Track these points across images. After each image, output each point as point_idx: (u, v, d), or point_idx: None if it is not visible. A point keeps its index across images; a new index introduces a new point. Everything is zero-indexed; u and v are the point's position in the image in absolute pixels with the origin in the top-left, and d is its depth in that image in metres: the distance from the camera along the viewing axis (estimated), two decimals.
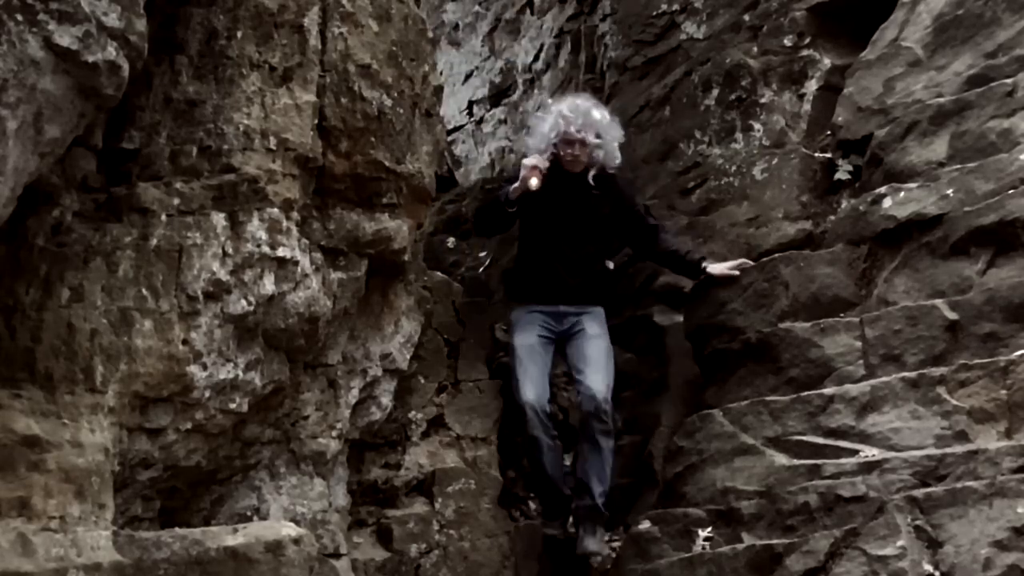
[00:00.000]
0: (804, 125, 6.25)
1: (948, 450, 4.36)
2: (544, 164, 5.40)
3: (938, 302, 4.82)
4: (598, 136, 5.55)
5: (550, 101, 6.08)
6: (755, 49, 6.62)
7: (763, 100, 6.44)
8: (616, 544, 5.53)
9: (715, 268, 5.68)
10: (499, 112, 9.58)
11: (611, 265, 5.81)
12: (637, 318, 6.44)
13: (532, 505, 6.09)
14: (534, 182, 5.31)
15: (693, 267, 5.73)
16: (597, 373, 5.49)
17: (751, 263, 5.69)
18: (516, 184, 5.45)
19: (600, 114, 5.60)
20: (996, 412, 4.36)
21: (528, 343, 5.54)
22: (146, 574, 3.54)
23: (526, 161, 5.46)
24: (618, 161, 5.67)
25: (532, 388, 5.45)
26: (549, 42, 8.90)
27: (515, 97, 9.40)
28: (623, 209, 5.68)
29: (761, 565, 4.51)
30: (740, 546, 4.66)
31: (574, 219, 5.58)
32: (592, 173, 5.58)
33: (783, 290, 5.46)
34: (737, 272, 5.61)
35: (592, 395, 5.41)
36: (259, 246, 4.12)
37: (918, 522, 4.15)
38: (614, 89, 7.76)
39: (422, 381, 5.69)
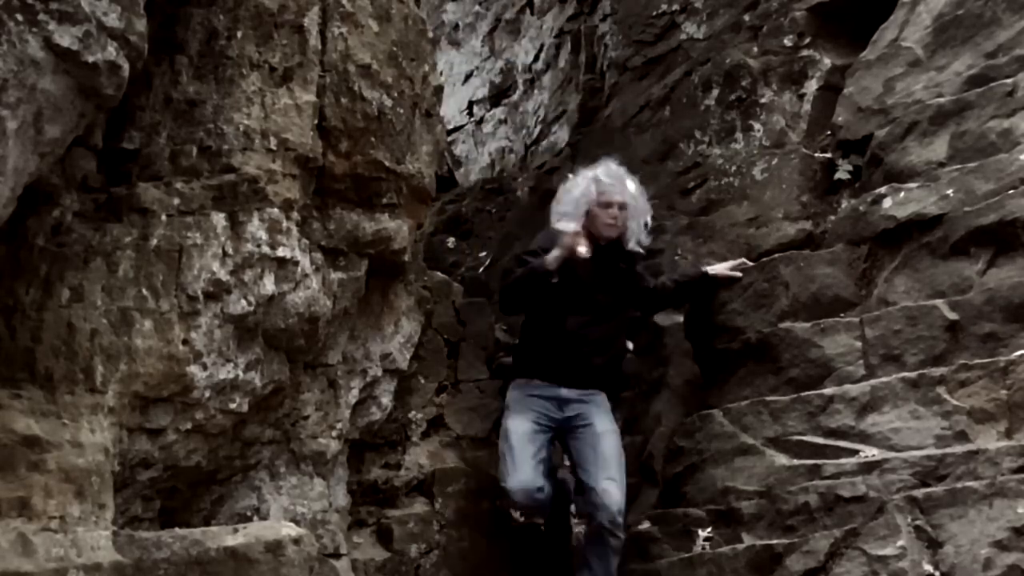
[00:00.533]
0: (804, 125, 6.24)
1: (948, 450, 4.36)
2: (580, 231, 5.00)
3: (938, 302, 4.82)
4: (631, 205, 5.21)
5: (577, 171, 5.53)
6: (755, 49, 6.62)
7: (763, 100, 6.44)
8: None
9: (715, 269, 5.58)
10: (499, 112, 9.58)
11: (631, 346, 5.42)
12: (637, 318, 6.44)
13: None
14: (583, 249, 4.85)
15: (698, 281, 5.53)
16: (611, 480, 4.87)
17: (751, 263, 5.69)
18: (557, 251, 4.91)
19: (633, 184, 5.26)
20: (996, 412, 4.36)
21: (522, 430, 4.94)
22: (146, 574, 3.54)
23: (564, 227, 5.02)
24: (647, 240, 5.35)
25: (521, 474, 4.87)
26: (549, 42, 8.90)
27: (515, 97, 9.40)
28: (639, 289, 5.34)
29: (761, 565, 4.51)
30: (740, 546, 4.66)
31: (600, 293, 5.08)
32: (629, 244, 5.24)
33: (783, 290, 5.46)
34: (739, 274, 5.52)
35: (607, 505, 4.81)
36: (259, 246, 4.12)
37: (918, 522, 4.15)
38: (614, 89, 7.76)
39: (422, 381, 5.69)
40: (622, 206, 5.15)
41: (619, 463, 4.94)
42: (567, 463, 5.32)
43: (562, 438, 5.07)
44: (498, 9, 9.89)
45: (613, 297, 5.13)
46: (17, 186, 3.17)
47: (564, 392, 4.97)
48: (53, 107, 3.16)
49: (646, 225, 5.29)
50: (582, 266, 4.93)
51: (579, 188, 5.19)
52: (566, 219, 5.10)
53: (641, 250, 5.34)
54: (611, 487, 4.83)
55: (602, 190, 5.12)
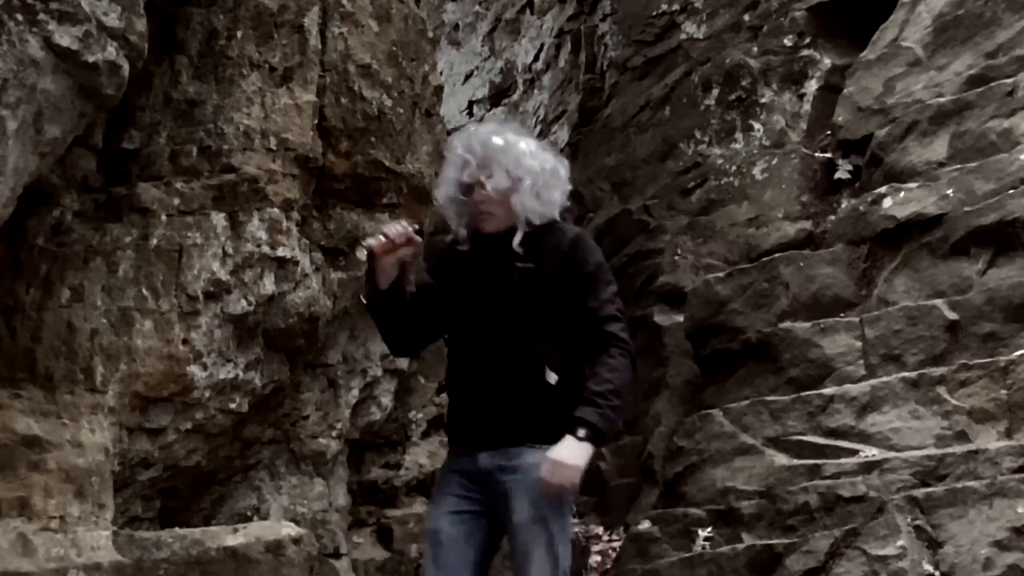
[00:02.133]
0: (804, 125, 6.25)
1: (948, 450, 4.36)
2: (401, 230, 3.30)
3: (938, 302, 4.82)
4: (514, 174, 3.28)
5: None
6: (755, 49, 6.62)
7: (763, 100, 6.44)
8: (616, 544, 5.53)
9: (558, 450, 3.14)
10: (499, 112, 9.58)
11: (553, 379, 3.19)
12: (637, 318, 6.44)
13: None
14: (371, 242, 3.31)
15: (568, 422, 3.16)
16: None
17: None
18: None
19: (507, 141, 3.33)
20: (996, 412, 4.36)
21: (434, 527, 3.30)
22: (146, 574, 3.54)
23: (393, 229, 3.34)
24: (555, 210, 3.34)
25: None
26: (549, 42, 8.90)
27: (515, 97, 9.40)
28: (564, 284, 3.24)
29: (761, 565, 4.51)
30: (740, 546, 4.66)
31: (492, 307, 3.27)
32: (519, 236, 3.27)
33: (783, 290, 5.46)
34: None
35: None
36: (259, 246, 4.12)
37: (918, 522, 4.15)
38: (614, 89, 7.77)
39: (422, 381, 5.68)
40: (483, 185, 3.28)
41: (551, 568, 3.16)
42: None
43: (499, 524, 3.29)
44: (498, 9, 9.89)
45: (512, 311, 3.23)
46: (17, 186, 3.17)
47: (483, 460, 3.20)
48: (53, 107, 3.16)
49: (561, 188, 3.36)
50: (466, 275, 3.35)
51: (449, 165, 3.46)
52: (443, 209, 3.52)
53: (559, 226, 3.34)
54: None
55: (461, 170, 3.35)
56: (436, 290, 3.45)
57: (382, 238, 3.29)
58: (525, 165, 3.28)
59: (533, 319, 3.22)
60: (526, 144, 3.34)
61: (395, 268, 3.34)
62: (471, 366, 3.30)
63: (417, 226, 3.37)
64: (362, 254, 3.36)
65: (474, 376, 3.28)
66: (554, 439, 3.11)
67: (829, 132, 6.07)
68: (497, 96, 9.67)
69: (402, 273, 3.39)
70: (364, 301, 3.48)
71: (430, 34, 5.03)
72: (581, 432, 3.05)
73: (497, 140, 3.31)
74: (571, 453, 3.05)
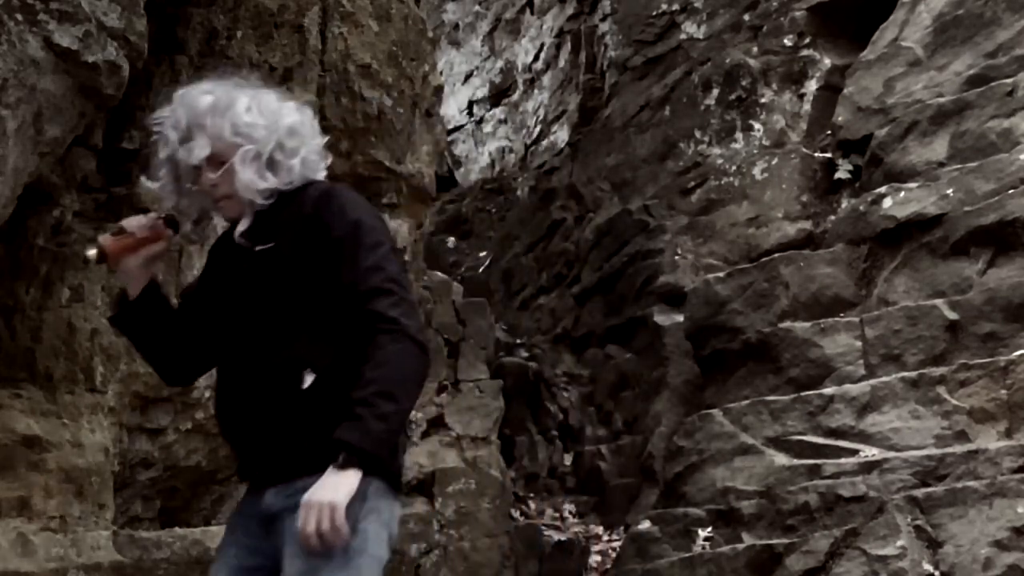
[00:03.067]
0: (804, 125, 6.25)
1: (948, 450, 4.36)
2: (144, 221, 2.62)
3: (938, 302, 4.82)
4: (229, 141, 2.50)
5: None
6: (755, 49, 6.62)
7: (763, 100, 6.44)
8: (616, 544, 5.53)
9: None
10: (499, 112, 9.58)
11: (308, 381, 2.43)
12: (637, 318, 6.44)
13: (532, 505, 6.10)
14: (102, 240, 2.59)
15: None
16: None
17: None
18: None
19: (217, 100, 2.54)
20: (996, 412, 4.36)
21: None
22: (146, 574, 3.54)
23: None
24: (296, 174, 2.58)
25: None
26: (549, 42, 8.90)
27: (515, 97, 9.40)
28: (311, 258, 2.46)
29: (761, 565, 4.51)
30: (740, 546, 4.66)
31: (238, 308, 2.54)
32: (247, 219, 2.55)
33: (783, 290, 5.46)
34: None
35: None
36: None
37: (918, 522, 4.15)
38: (614, 89, 7.77)
39: None
40: (212, 161, 2.50)
41: None
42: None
43: None
44: (498, 9, 9.90)
45: (257, 307, 2.49)
46: (17, 186, 3.16)
47: (268, 500, 2.45)
48: (53, 107, 3.16)
49: (272, 159, 2.53)
50: (216, 276, 2.64)
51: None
52: (170, 202, 2.67)
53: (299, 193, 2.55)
54: None
55: (166, 147, 2.56)
56: (200, 298, 2.65)
57: (116, 234, 2.58)
58: (242, 127, 2.48)
59: (285, 312, 2.44)
60: (246, 101, 2.53)
61: (145, 271, 2.60)
62: (230, 385, 2.52)
63: (165, 215, 2.61)
64: (92, 254, 2.54)
65: (234, 396, 2.51)
66: (314, 465, 2.31)
67: (829, 132, 6.08)
68: (497, 96, 9.67)
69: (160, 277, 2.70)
70: (112, 318, 2.71)
71: (430, 34, 5.03)
72: (340, 458, 2.24)
73: (205, 100, 2.51)
74: (325, 491, 2.24)
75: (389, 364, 2.30)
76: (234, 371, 2.52)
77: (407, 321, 2.33)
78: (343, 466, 2.25)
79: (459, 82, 10.09)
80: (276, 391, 2.40)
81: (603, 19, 8.11)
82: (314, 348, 2.41)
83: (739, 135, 6.52)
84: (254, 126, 2.51)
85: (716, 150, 6.60)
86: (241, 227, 2.52)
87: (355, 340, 2.37)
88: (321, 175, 2.66)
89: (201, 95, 2.54)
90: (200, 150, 2.48)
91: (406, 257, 4.91)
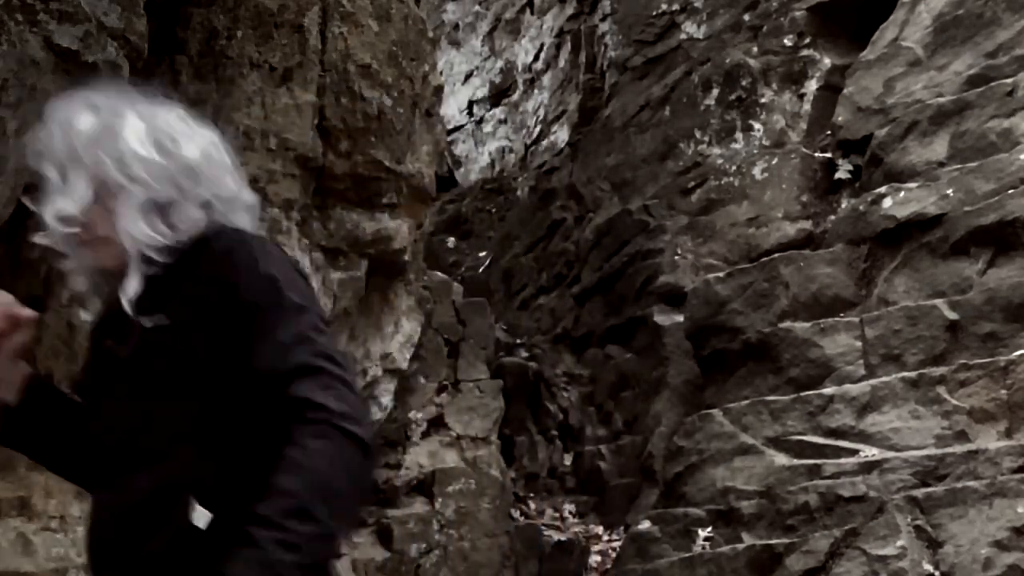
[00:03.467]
0: (804, 125, 6.25)
1: (948, 450, 4.36)
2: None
3: (938, 302, 4.82)
4: (113, 180, 1.82)
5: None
6: (755, 49, 6.62)
7: (763, 100, 6.44)
8: (616, 544, 5.53)
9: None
10: (499, 112, 9.59)
11: (203, 519, 1.68)
12: (637, 318, 6.44)
13: (532, 505, 6.10)
14: None
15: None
16: None
17: None
18: None
19: (96, 127, 1.84)
20: (996, 412, 4.36)
21: None
22: None
23: None
24: (204, 221, 1.85)
25: None
26: (549, 42, 8.90)
27: (515, 97, 9.40)
28: (213, 334, 1.75)
29: (761, 565, 4.51)
30: (740, 546, 4.66)
31: (107, 405, 1.86)
32: (133, 281, 1.82)
33: (783, 290, 5.46)
34: None
35: None
36: None
37: (918, 522, 4.15)
38: (614, 89, 7.77)
39: (422, 381, 5.69)
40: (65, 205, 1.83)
41: None
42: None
43: None
44: (498, 9, 9.90)
45: (130, 406, 1.80)
46: (17, 186, 3.17)
47: None
48: None
49: (167, 206, 1.84)
50: (92, 354, 2.03)
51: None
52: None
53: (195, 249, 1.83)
54: None
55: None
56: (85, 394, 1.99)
57: None
58: (131, 163, 1.82)
59: (167, 413, 1.74)
60: (137, 125, 1.84)
61: (15, 370, 2.02)
62: (100, 515, 1.83)
63: (22, 311, 1.96)
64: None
65: (99, 527, 1.82)
66: None
67: (829, 132, 6.08)
68: (497, 96, 9.67)
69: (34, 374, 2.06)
70: None
71: (430, 34, 5.03)
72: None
73: (85, 124, 1.83)
74: None
75: (308, 468, 1.61)
76: (100, 494, 1.83)
77: (340, 408, 1.66)
78: None
79: (459, 82, 10.10)
80: (153, 533, 1.70)
81: (603, 19, 8.12)
82: (202, 467, 1.71)
83: (739, 135, 6.52)
84: (147, 162, 1.82)
85: (716, 150, 6.60)
86: (129, 290, 1.79)
87: (271, 445, 1.66)
88: (242, 220, 1.89)
89: (81, 114, 1.84)
90: (79, 194, 1.81)
91: (406, 257, 4.91)
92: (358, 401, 1.72)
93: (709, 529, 4.87)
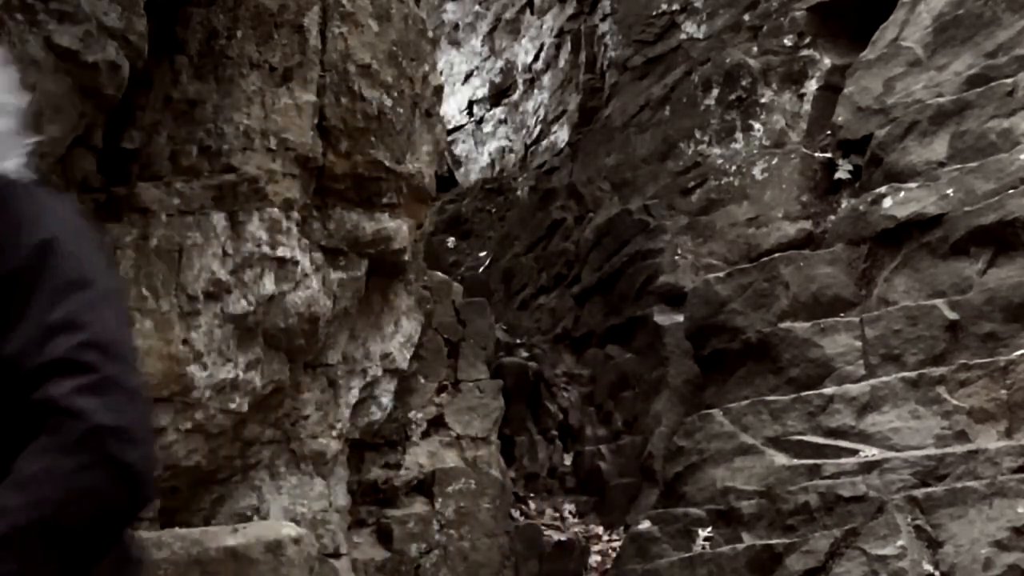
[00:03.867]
0: (804, 125, 6.25)
1: (948, 450, 4.36)
2: None
3: (938, 302, 4.82)
4: None
5: None
6: (755, 49, 6.62)
7: (763, 100, 6.44)
8: (616, 544, 5.53)
9: None
10: (499, 112, 9.58)
11: None
12: (637, 318, 6.44)
13: (532, 505, 6.10)
14: None
15: None
16: None
17: None
18: None
19: None
20: (996, 412, 4.36)
21: None
22: (146, 574, 3.54)
23: None
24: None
25: None
26: (549, 42, 8.90)
27: (515, 97, 9.40)
28: None
29: (761, 565, 4.51)
30: (740, 546, 4.66)
31: None
32: None
33: (783, 290, 5.46)
34: None
35: None
36: (259, 246, 4.12)
37: (918, 522, 4.15)
38: (614, 89, 7.77)
39: (422, 381, 5.68)
40: None
41: None
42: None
43: None
44: (498, 9, 9.89)
45: None
46: None
47: None
48: (53, 107, 3.16)
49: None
50: None
51: None
52: None
53: None
54: None
55: None
56: None
57: None
58: None
59: None
60: None
61: None
62: None
63: None
64: None
65: None
66: None
67: (829, 132, 6.07)
68: (497, 96, 9.67)
69: None
70: None
71: (430, 34, 5.03)
72: None
73: None
74: None
75: (33, 495, 1.24)
76: None
77: (105, 420, 1.27)
78: None
79: (459, 82, 10.09)
80: None
81: (603, 19, 8.11)
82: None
83: (739, 135, 6.52)
84: None
85: (716, 150, 6.60)
86: None
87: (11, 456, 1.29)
88: (9, 161, 1.49)
89: None
90: None
91: (406, 257, 4.90)
92: (137, 411, 1.31)
93: (709, 529, 4.87)
